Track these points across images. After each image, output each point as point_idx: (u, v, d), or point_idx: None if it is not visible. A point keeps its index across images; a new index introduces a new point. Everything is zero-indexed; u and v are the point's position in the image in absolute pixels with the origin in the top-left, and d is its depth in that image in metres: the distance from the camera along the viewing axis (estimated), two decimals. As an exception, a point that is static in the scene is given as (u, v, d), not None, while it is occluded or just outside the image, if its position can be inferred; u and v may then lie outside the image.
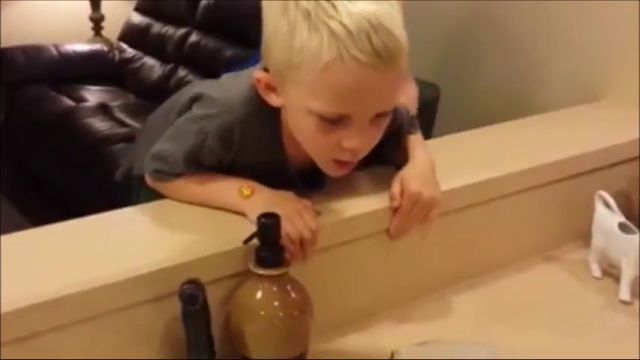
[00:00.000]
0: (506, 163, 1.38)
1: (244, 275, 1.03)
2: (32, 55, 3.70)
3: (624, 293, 1.27)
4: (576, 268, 1.38)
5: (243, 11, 3.15)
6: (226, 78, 1.22)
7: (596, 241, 1.35)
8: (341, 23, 0.94)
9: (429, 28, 2.18)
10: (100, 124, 3.20)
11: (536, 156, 1.41)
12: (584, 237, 1.41)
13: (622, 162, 1.49)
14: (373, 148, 1.17)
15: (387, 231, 1.20)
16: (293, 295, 1.02)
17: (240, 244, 1.03)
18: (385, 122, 1.06)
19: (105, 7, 4.09)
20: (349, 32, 0.94)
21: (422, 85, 2.02)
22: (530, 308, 1.28)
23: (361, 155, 1.08)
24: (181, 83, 3.24)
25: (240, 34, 3.13)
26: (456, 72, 2.13)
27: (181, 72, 3.47)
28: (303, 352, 1.04)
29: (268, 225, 0.99)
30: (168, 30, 3.66)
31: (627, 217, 1.34)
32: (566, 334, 1.21)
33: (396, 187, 1.17)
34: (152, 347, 1.03)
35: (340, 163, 1.08)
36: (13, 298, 0.90)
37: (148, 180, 1.20)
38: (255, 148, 1.14)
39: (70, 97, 3.54)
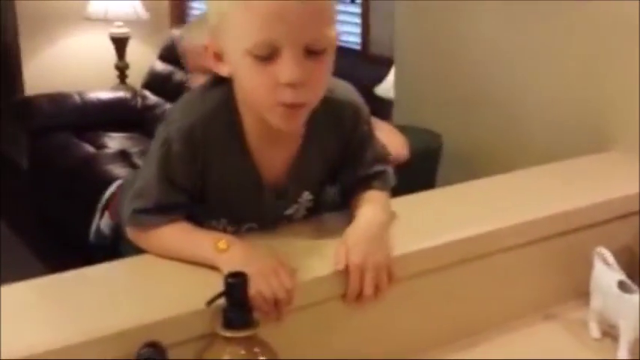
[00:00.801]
0: (504, 216, 1.33)
1: (212, 337, 1.00)
2: (57, 102, 3.76)
3: (623, 355, 1.20)
4: (576, 328, 1.31)
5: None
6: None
7: (595, 300, 1.28)
8: None
9: (431, 78, 2.16)
10: (119, 171, 3.21)
11: (535, 208, 1.35)
12: (585, 294, 1.34)
13: (625, 216, 1.43)
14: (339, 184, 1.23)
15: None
16: (261, 358, 0.98)
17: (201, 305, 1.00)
18: (325, 62, 1.07)
19: (130, 56, 4.15)
20: None
21: (425, 133, 2.00)
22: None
23: (305, 96, 1.06)
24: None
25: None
26: (458, 121, 2.09)
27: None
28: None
29: (235, 285, 0.96)
30: (191, 77, 3.69)
31: (629, 273, 1.28)
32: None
33: (339, 254, 1.11)
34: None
35: (288, 109, 1.06)
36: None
37: (128, 231, 1.17)
38: (221, 152, 1.14)
39: (92, 143, 3.58)
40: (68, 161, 3.46)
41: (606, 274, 1.27)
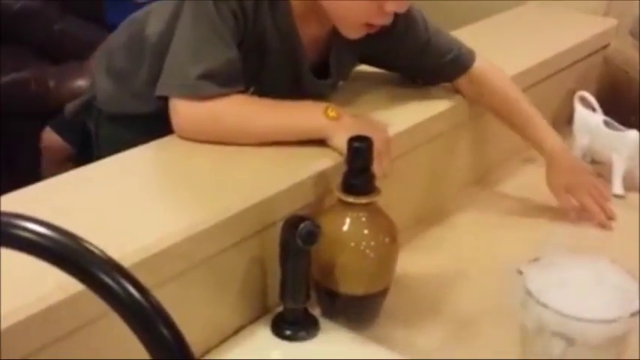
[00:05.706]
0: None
1: (317, 205, 0.97)
2: None
3: (618, 187, 1.32)
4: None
5: None
6: None
7: (580, 139, 1.39)
8: None
9: None
10: None
11: (510, 63, 1.38)
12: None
13: (575, 62, 1.55)
14: None
15: None
16: (382, 221, 0.95)
17: (307, 174, 0.96)
18: None
19: None
20: None
21: None
22: (529, 208, 1.30)
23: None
24: None
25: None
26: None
27: None
28: (388, 285, 0.98)
29: (361, 149, 0.91)
30: None
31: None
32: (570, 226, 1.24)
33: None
34: (231, 295, 0.92)
35: (369, 28, 1.05)
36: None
37: (178, 105, 0.99)
38: (267, 17, 1.04)
39: None
40: None
41: (589, 115, 1.38)
